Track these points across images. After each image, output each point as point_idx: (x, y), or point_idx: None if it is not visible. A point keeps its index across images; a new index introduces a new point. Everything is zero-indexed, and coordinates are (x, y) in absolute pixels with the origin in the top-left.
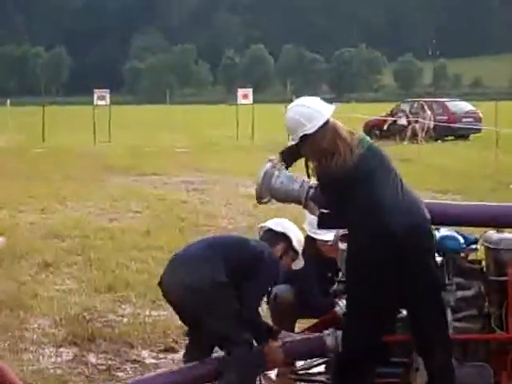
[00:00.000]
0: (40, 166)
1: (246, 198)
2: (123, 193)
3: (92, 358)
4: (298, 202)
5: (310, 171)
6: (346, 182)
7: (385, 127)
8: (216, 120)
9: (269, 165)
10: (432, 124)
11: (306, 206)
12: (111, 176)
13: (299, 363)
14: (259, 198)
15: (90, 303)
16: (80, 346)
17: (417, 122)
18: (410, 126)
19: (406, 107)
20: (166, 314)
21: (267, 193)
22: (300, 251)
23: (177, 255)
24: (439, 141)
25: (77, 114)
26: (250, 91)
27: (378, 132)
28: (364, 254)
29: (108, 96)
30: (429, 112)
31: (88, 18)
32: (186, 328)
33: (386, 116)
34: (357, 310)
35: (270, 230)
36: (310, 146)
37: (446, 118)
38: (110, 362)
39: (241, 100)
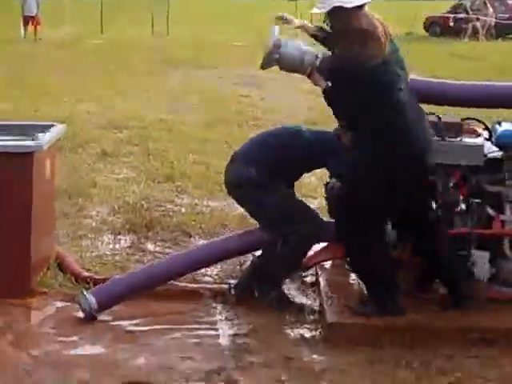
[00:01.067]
0: (98, 58)
1: (305, 93)
2: (181, 86)
3: (150, 246)
4: (303, 72)
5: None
6: (376, 76)
7: (449, 23)
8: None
9: (277, 30)
10: (493, 21)
11: (310, 76)
12: (169, 69)
13: None
14: (264, 64)
15: (147, 192)
16: (138, 234)
17: (478, 19)
18: (471, 24)
19: (467, 4)
20: (224, 205)
21: (273, 59)
22: None
23: (234, 153)
24: (500, 39)
25: (135, 4)
26: None
27: (438, 29)
28: (385, 169)
29: None
30: (491, 9)
31: None
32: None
33: (446, 13)
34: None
35: None
36: (347, 23)
37: (507, 15)
38: (167, 250)
39: None
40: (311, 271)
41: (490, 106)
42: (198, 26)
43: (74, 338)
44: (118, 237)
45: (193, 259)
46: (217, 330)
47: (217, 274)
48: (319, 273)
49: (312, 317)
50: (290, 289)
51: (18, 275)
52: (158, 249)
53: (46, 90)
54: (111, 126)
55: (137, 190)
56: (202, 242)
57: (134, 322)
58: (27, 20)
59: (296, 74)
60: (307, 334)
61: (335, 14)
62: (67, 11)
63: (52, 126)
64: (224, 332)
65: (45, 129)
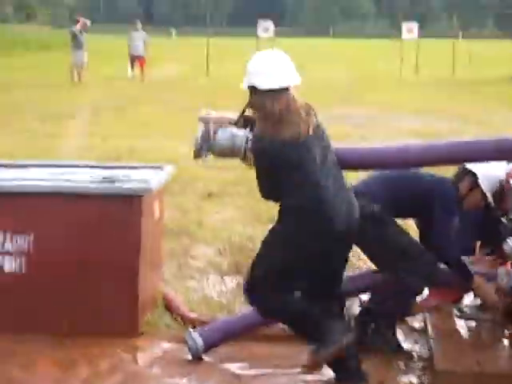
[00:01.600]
0: (204, 98)
1: (409, 134)
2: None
3: None
4: (238, 156)
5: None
6: (291, 158)
7: None
8: (379, 54)
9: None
10: None
11: (244, 160)
12: None
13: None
14: (197, 156)
15: (252, 233)
16: (243, 275)
17: None
18: None
19: None
20: None
21: (206, 149)
22: (489, 194)
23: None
24: None
25: (240, 45)
26: (415, 25)
27: None
28: (299, 239)
29: (272, 27)
30: None
31: None
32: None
33: None
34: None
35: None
36: (261, 104)
37: None
38: None
39: (405, 34)
40: (419, 316)
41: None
42: (300, 65)
43: (183, 381)
44: (224, 278)
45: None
46: (323, 374)
47: None
48: (427, 318)
49: (421, 363)
50: (398, 334)
51: (126, 315)
52: None
53: (151, 129)
54: (216, 165)
55: (242, 231)
56: None
57: (240, 364)
58: (134, 59)
59: None
60: (415, 381)
61: (252, 92)
62: (174, 51)
63: (161, 167)
64: (329, 376)
65: (154, 170)
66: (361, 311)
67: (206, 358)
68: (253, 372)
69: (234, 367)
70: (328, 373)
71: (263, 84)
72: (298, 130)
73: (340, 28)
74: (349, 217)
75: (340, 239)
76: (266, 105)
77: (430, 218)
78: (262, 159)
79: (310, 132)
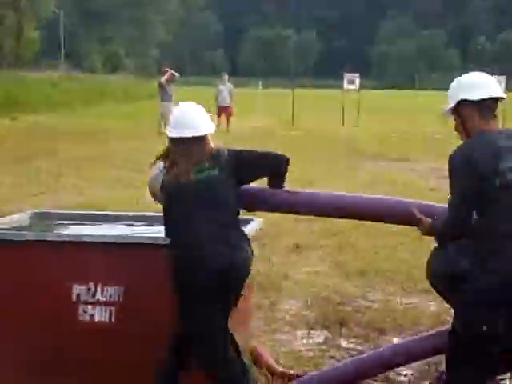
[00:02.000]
0: (289, 149)
1: None
2: (372, 177)
3: (343, 342)
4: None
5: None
6: (172, 198)
7: None
8: None
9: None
10: None
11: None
12: (359, 160)
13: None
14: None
15: (339, 287)
16: (331, 329)
17: None
18: None
19: None
20: (417, 302)
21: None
22: None
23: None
24: None
25: (325, 97)
26: (503, 79)
27: None
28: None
29: (358, 80)
30: None
31: (334, 4)
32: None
33: None
34: None
35: None
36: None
37: None
38: (359, 347)
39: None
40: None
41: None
42: (388, 118)
43: None
44: (312, 332)
45: (385, 358)
46: None
47: (412, 374)
48: None
49: None
50: None
51: None
52: (351, 345)
53: None
54: (303, 218)
55: (329, 284)
56: (395, 339)
57: None
58: (221, 110)
59: None
60: None
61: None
62: (259, 102)
63: (249, 220)
64: None
65: (244, 223)
66: None
67: None
68: None
69: None
70: None
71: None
72: (181, 173)
73: (425, 80)
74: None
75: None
76: (171, 149)
77: None
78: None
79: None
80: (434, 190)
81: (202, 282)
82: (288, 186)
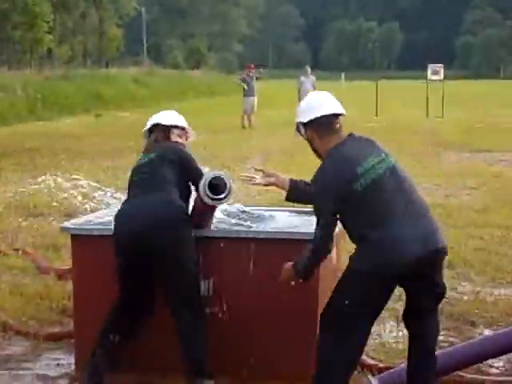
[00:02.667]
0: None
1: None
2: (457, 168)
3: None
4: None
5: None
6: None
7: None
8: None
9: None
10: None
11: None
12: (444, 151)
13: None
14: None
15: None
16: None
17: None
18: None
19: None
20: (507, 293)
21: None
22: None
23: None
24: None
25: (408, 88)
26: None
27: None
28: None
29: (442, 71)
30: None
31: None
32: None
33: None
34: None
35: None
36: None
37: None
38: (450, 339)
39: None
40: None
41: None
42: (472, 108)
43: None
44: (401, 324)
45: (476, 351)
46: None
47: (504, 366)
48: None
49: None
50: None
51: (305, 361)
52: (441, 338)
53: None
54: None
55: None
56: (486, 331)
57: None
58: None
59: None
60: None
61: None
62: (342, 94)
63: None
64: None
65: None
66: None
67: None
68: None
69: None
70: None
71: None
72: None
73: (510, 69)
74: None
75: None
76: None
77: None
78: None
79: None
80: (497, 176)
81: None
82: None
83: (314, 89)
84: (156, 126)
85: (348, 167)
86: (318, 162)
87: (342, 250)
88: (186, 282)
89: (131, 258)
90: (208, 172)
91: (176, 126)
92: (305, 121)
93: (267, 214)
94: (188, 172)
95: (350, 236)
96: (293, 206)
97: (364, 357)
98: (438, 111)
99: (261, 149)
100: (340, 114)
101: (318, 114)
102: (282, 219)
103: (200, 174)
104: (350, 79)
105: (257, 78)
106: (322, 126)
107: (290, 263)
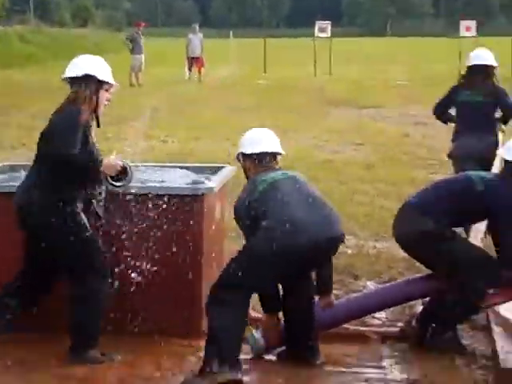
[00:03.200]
0: (262, 98)
1: None
2: (344, 126)
3: None
4: None
5: None
6: None
7: None
8: (437, 53)
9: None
10: None
11: None
12: (332, 109)
13: None
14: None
15: None
16: None
17: None
18: None
19: None
20: (390, 246)
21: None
22: None
23: (406, 202)
24: None
25: (297, 46)
26: (473, 24)
27: None
28: None
29: (329, 28)
30: None
31: None
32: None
33: None
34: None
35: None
36: None
37: None
38: (335, 292)
39: (463, 32)
40: (481, 315)
41: None
42: (360, 65)
43: (245, 379)
44: None
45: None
46: (386, 374)
47: (386, 317)
48: (490, 316)
49: (484, 362)
50: (460, 332)
51: (189, 316)
52: None
53: (211, 130)
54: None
55: None
56: (369, 283)
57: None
58: (191, 61)
59: None
60: (479, 379)
61: None
62: (231, 52)
63: (222, 167)
64: (394, 376)
65: (215, 170)
66: (422, 312)
67: (267, 356)
68: (315, 370)
69: (291, 365)
70: (391, 371)
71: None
72: None
73: (397, 27)
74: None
75: None
76: None
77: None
78: None
79: None
80: (407, 136)
81: None
82: None
83: (202, 46)
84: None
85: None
86: (205, 120)
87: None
88: (69, 255)
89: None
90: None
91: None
92: (247, 152)
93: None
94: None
95: None
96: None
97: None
98: (326, 69)
99: (149, 106)
100: (277, 153)
101: (258, 150)
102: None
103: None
104: (238, 36)
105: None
106: (262, 159)
107: None
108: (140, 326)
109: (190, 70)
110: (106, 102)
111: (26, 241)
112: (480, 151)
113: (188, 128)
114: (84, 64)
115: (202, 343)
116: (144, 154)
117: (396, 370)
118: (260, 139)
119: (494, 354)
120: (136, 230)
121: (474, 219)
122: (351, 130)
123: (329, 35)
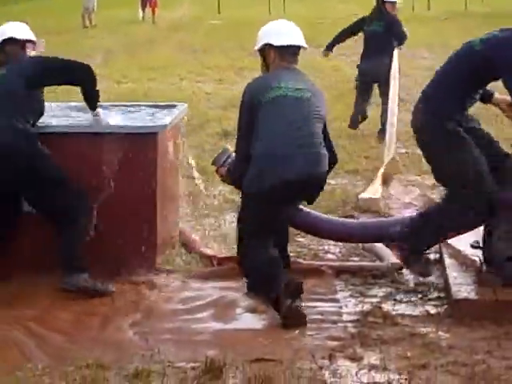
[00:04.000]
0: (216, 38)
1: (422, 70)
2: (300, 64)
3: None
4: None
5: None
6: None
7: None
8: None
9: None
10: None
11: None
12: None
13: None
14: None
15: None
16: None
17: None
18: None
19: None
20: (344, 182)
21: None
22: None
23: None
24: None
25: None
26: None
27: None
28: None
29: None
30: None
31: None
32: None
33: None
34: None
35: None
36: None
37: None
38: None
39: None
40: (434, 248)
41: None
42: (314, 3)
43: (203, 314)
44: None
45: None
46: (340, 307)
47: (340, 252)
48: (443, 249)
49: (437, 293)
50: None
51: (145, 254)
52: None
53: (165, 70)
54: (231, 105)
55: None
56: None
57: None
58: (145, 2)
59: None
60: (432, 311)
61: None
62: None
63: (175, 106)
64: (348, 309)
65: (168, 109)
66: (401, 234)
67: (226, 293)
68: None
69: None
70: (345, 304)
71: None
72: None
73: None
74: None
75: None
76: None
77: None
78: None
79: None
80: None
81: None
82: (220, 74)
83: None
84: (9, 40)
85: (265, 82)
86: (159, 61)
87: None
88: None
89: None
90: None
91: (30, 41)
92: (275, 44)
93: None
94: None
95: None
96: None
97: (203, 247)
98: (281, 8)
99: (103, 48)
100: (302, 47)
101: (286, 43)
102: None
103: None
104: None
105: None
106: (286, 52)
107: None
108: (96, 261)
109: (143, 10)
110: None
111: None
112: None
113: (142, 69)
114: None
115: (157, 279)
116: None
117: (350, 303)
118: (289, 31)
119: (447, 286)
120: (93, 167)
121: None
122: (305, 68)
123: None
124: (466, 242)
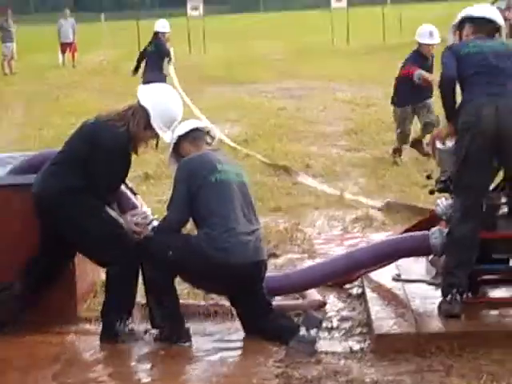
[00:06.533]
0: (137, 81)
1: (343, 103)
2: (220, 102)
3: None
4: None
5: None
6: None
7: None
8: (310, 26)
9: None
10: None
11: None
12: (207, 86)
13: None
14: None
15: None
16: None
17: None
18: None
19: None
20: (266, 221)
21: None
22: None
23: None
24: None
25: (171, 25)
26: None
27: None
28: None
29: (201, 6)
30: None
31: None
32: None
33: None
34: None
35: None
36: None
37: None
38: None
39: (334, 4)
40: (357, 282)
41: None
42: (235, 42)
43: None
44: None
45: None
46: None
47: None
48: (365, 284)
49: (359, 329)
50: (335, 301)
51: (65, 301)
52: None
53: (86, 116)
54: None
55: None
56: None
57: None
58: (65, 47)
59: None
60: (356, 347)
61: None
62: (103, 35)
63: None
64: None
65: None
66: None
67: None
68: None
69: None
70: None
71: None
72: None
73: (269, 3)
74: None
75: None
76: None
77: None
78: None
79: None
80: (283, 110)
81: None
82: None
83: (74, 31)
84: None
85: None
86: (79, 106)
87: None
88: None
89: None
90: None
91: None
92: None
93: None
94: None
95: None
96: None
97: None
98: (201, 48)
99: (24, 94)
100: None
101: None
102: None
103: None
104: (111, 19)
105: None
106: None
107: None
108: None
109: (63, 54)
110: None
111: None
112: None
113: (63, 115)
114: None
115: (80, 328)
116: (20, 143)
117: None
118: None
119: (369, 321)
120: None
121: None
122: (227, 107)
123: (201, 13)
124: (388, 276)
